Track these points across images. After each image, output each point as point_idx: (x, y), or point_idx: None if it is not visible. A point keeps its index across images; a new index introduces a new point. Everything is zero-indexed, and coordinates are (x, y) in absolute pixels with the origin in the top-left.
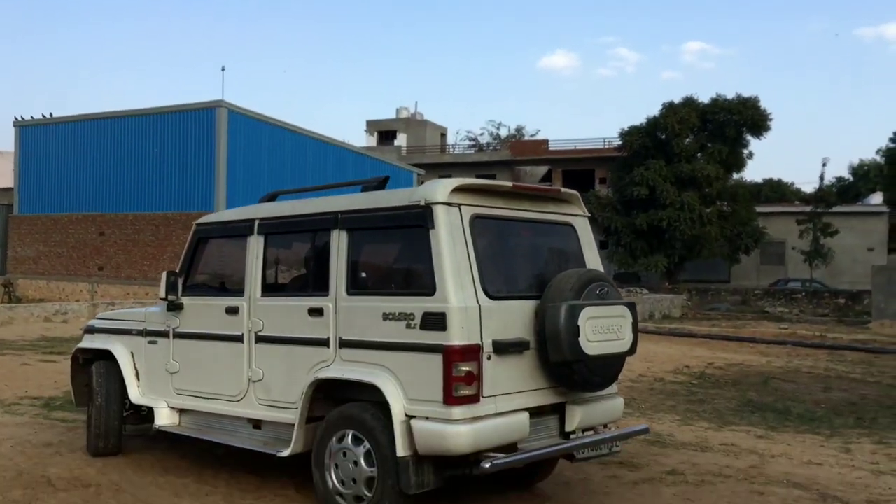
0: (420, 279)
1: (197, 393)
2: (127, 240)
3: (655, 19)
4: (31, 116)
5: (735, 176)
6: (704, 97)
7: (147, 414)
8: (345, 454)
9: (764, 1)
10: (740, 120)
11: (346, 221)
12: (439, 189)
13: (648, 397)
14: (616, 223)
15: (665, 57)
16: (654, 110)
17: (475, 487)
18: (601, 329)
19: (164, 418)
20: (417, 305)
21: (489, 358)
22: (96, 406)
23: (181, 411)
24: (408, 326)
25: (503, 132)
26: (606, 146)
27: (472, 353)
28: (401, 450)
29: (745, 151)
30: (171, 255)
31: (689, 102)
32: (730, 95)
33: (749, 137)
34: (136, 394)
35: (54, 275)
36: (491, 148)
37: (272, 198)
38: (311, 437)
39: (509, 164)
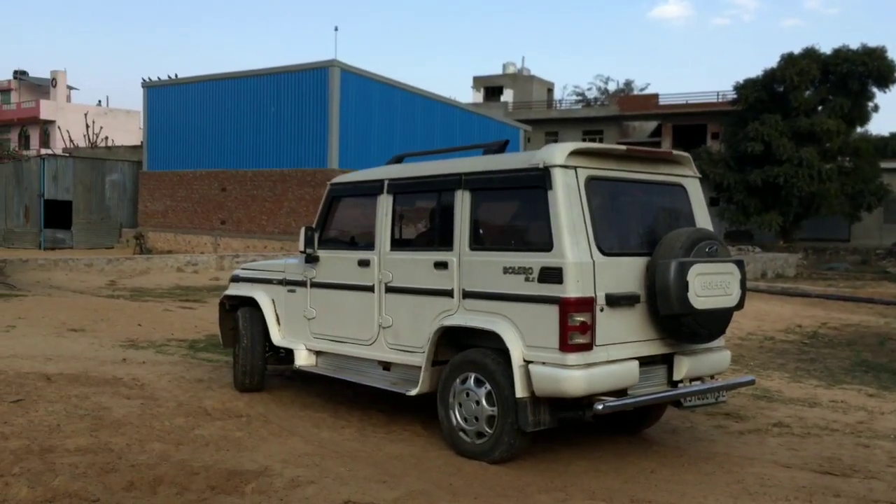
0: (538, 236)
1: (332, 337)
2: (246, 195)
3: None
4: (158, 78)
5: (859, 130)
6: (827, 47)
7: (286, 356)
8: (468, 394)
9: None
10: (865, 71)
11: (469, 182)
12: (557, 152)
13: (758, 355)
14: (729, 180)
15: (785, 3)
16: (772, 62)
17: (588, 431)
18: (709, 285)
19: (303, 359)
20: (536, 260)
21: (602, 310)
22: (242, 347)
23: (318, 353)
24: (526, 279)
25: (611, 87)
26: (720, 100)
27: (586, 304)
28: (519, 391)
29: (871, 104)
30: (288, 210)
31: (810, 53)
32: (854, 45)
33: (874, 90)
34: (277, 337)
35: (180, 228)
36: (599, 103)
37: (399, 160)
38: (437, 378)
39: (617, 119)
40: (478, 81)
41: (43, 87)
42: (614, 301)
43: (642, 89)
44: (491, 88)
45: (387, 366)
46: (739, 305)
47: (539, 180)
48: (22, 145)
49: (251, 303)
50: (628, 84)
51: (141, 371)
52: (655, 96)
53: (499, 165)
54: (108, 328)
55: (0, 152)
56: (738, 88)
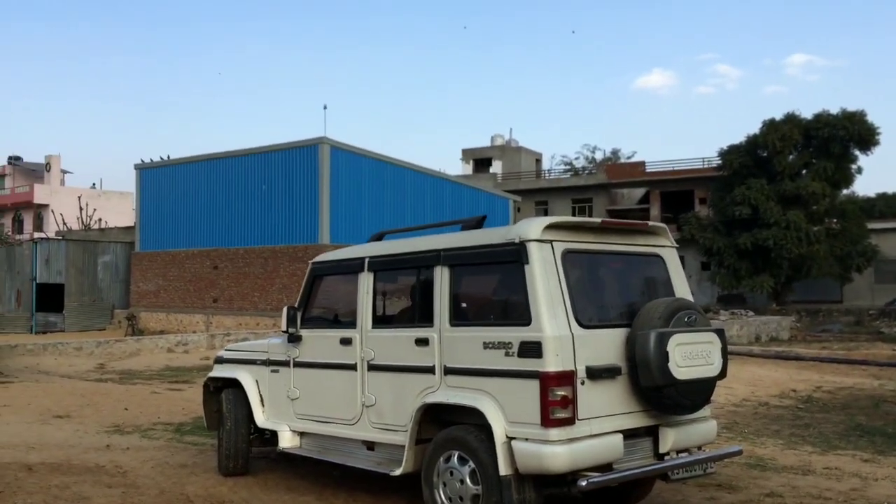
0: (517, 310)
1: (316, 417)
2: (238, 272)
3: (757, 34)
4: (150, 159)
5: (844, 192)
6: (808, 112)
7: (270, 437)
8: (452, 473)
9: (871, 9)
10: (846, 135)
11: (447, 258)
12: (532, 227)
13: (752, 421)
14: (718, 244)
15: (768, 71)
16: (755, 128)
17: None
18: (690, 355)
19: (287, 441)
20: (515, 335)
21: (583, 383)
22: (226, 430)
23: (301, 434)
24: (506, 354)
25: (598, 156)
26: (706, 166)
27: (566, 378)
28: (503, 469)
29: (853, 167)
30: (280, 287)
31: (791, 118)
32: (834, 110)
33: (857, 152)
34: (261, 418)
35: (173, 307)
36: (587, 172)
37: (380, 237)
38: (421, 457)
39: (605, 187)
40: (466, 153)
41: (37, 172)
42: (595, 374)
43: (629, 157)
44: (480, 160)
45: (371, 445)
46: (722, 374)
47: (515, 255)
48: (15, 230)
49: (235, 384)
50: (615, 153)
51: (124, 458)
52: (642, 164)
53: (476, 241)
54: (94, 413)
55: None
56: (723, 154)
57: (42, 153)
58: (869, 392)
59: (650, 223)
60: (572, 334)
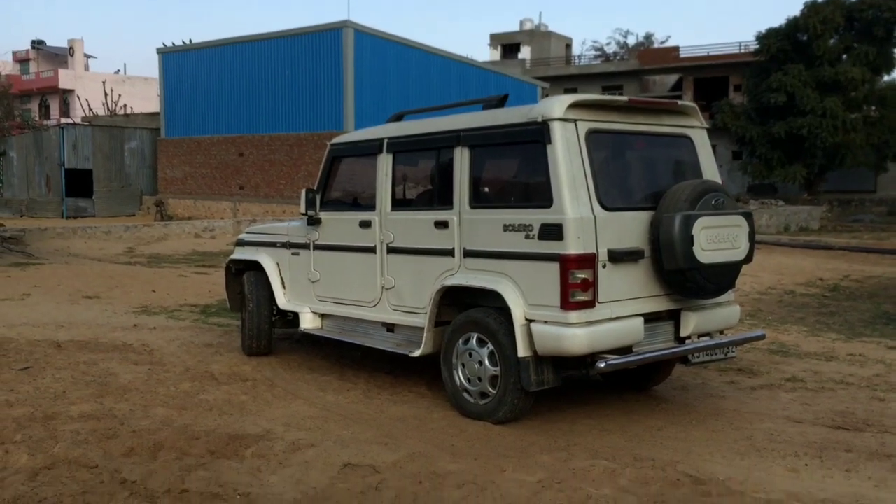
0: (538, 192)
1: (336, 299)
2: (264, 160)
3: None
4: (173, 43)
5: (886, 78)
6: None
7: (293, 319)
8: (470, 355)
9: None
10: (891, 17)
11: (467, 139)
12: (556, 106)
13: (777, 309)
14: (751, 132)
15: None
16: (796, 10)
17: (595, 390)
18: (716, 238)
19: (308, 322)
20: (536, 217)
21: (604, 266)
22: (249, 311)
23: (323, 316)
24: (527, 237)
25: (631, 41)
26: (742, 51)
27: (587, 261)
28: (521, 351)
29: None
30: (305, 174)
31: (834, 0)
32: None
33: None
34: (282, 300)
35: (200, 194)
36: (618, 58)
37: (399, 118)
38: (440, 339)
39: (637, 73)
40: (494, 39)
41: (61, 57)
42: (617, 257)
43: (663, 42)
44: (508, 46)
45: (391, 327)
46: (748, 259)
47: (538, 134)
48: (42, 115)
49: (256, 266)
50: (648, 37)
51: (151, 337)
52: (676, 49)
53: (497, 120)
54: (123, 295)
55: (21, 123)
56: (761, 38)
57: (65, 37)
58: None
59: (679, 102)
60: (594, 216)
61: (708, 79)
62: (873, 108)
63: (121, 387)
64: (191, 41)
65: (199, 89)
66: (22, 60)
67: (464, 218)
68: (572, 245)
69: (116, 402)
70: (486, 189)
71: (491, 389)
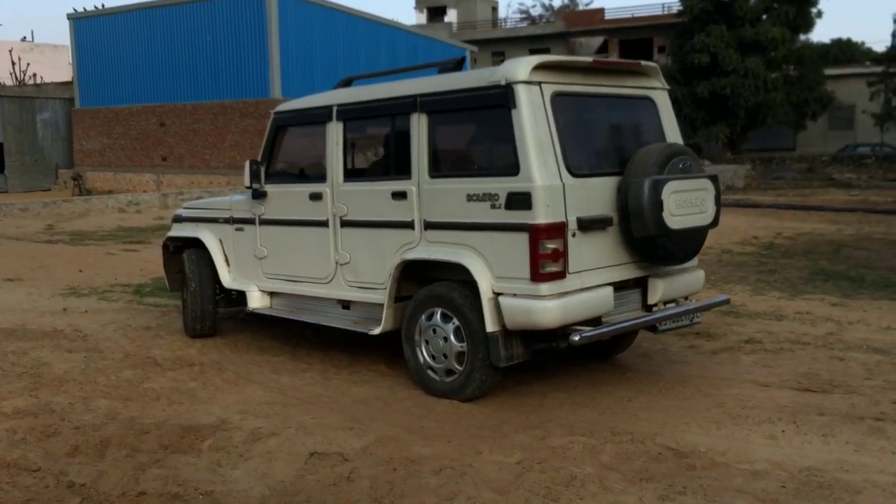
0: (503, 159)
1: (286, 276)
2: (187, 129)
3: None
4: (84, 8)
5: (802, 38)
6: None
7: (237, 298)
8: (434, 331)
9: None
10: None
11: (425, 104)
12: (520, 68)
13: (717, 269)
14: (676, 93)
15: None
16: None
17: (559, 361)
18: (684, 203)
19: (256, 301)
20: (502, 185)
21: (574, 235)
22: (191, 291)
23: (272, 294)
24: (492, 206)
25: (556, 3)
26: (665, 13)
27: (557, 230)
28: (490, 325)
29: (814, 10)
30: (231, 144)
31: None
32: None
33: None
34: (227, 279)
35: (120, 167)
36: (544, 20)
37: (347, 83)
38: (400, 315)
39: (563, 35)
40: (420, 2)
41: None
42: (586, 225)
43: (587, 4)
44: (434, 9)
45: (346, 304)
46: (714, 223)
47: (501, 98)
48: None
49: (197, 243)
50: (573, 0)
51: (83, 321)
52: (601, 11)
53: (456, 84)
54: (47, 276)
55: None
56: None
57: None
58: (828, 237)
59: (642, 62)
60: (563, 184)
61: (633, 40)
62: (792, 67)
63: (56, 378)
64: (103, 6)
65: (115, 57)
66: None
67: (423, 188)
68: (541, 214)
69: (53, 394)
70: (447, 157)
71: (457, 366)
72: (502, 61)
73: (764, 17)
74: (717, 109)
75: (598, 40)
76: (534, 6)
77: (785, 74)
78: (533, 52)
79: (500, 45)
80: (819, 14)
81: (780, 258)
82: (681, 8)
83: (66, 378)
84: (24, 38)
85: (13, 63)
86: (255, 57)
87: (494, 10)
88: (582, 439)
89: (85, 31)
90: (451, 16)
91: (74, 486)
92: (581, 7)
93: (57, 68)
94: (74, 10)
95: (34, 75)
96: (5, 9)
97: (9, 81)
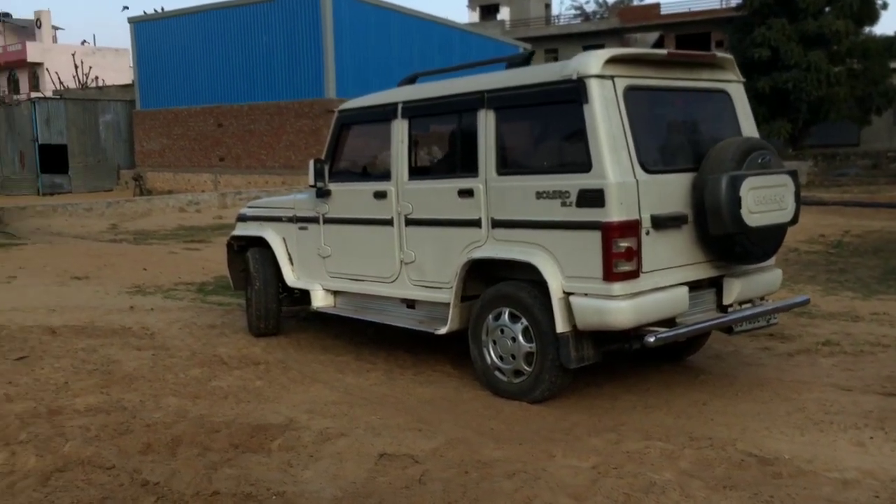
0: (575, 156)
1: (350, 275)
2: (243, 130)
3: None
4: (144, 12)
5: (866, 30)
6: None
7: (300, 296)
8: (502, 331)
9: None
10: None
11: (493, 100)
12: (592, 61)
13: (785, 268)
14: None
15: None
16: None
17: (629, 362)
18: (763, 199)
19: (320, 300)
20: (573, 182)
21: (648, 233)
22: (255, 290)
23: (335, 293)
24: (563, 204)
25: None
26: (723, 6)
27: (631, 228)
28: (560, 326)
29: (879, 2)
30: (286, 144)
31: None
32: None
33: None
34: (291, 278)
35: (179, 167)
36: (598, 16)
37: (412, 80)
38: (466, 315)
39: (618, 32)
40: (473, 0)
41: (28, 29)
42: (660, 223)
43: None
44: (487, 7)
45: (411, 303)
46: (794, 220)
47: (573, 93)
48: (11, 90)
49: (261, 242)
50: None
51: (150, 319)
52: (657, 6)
53: (526, 80)
54: (113, 274)
55: None
56: None
57: (31, 9)
58: None
59: (718, 54)
60: (637, 180)
61: (689, 35)
62: (856, 61)
63: (126, 375)
64: (162, 9)
65: (173, 59)
66: None
67: (490, 186)
68: (615, 211)
69: (124, 392)
70: (515, 154)
71: (526, 367)
72: (555, 59)
73: (827, 9)
74: (778, 105)
75: (653, 36)
76: (587, 2)
77: (849, 68)
78: (587, 48)
79: (554, 43)
80: (885, 6)
81: (849, 257)
82: (740, 1)
83: (136, 375)
84: (85, 41)
85: (76, 66)
86: (309, 57)
87: (547, 7)
88: (659, 444)
89: (145, 33)
90: (504, 13)
91: (148, 484)
92: (636, 2)
93: (118, 71)
94: (132, 11)
95: (96, 78)
96: (69, 14)
97: (72, 85)
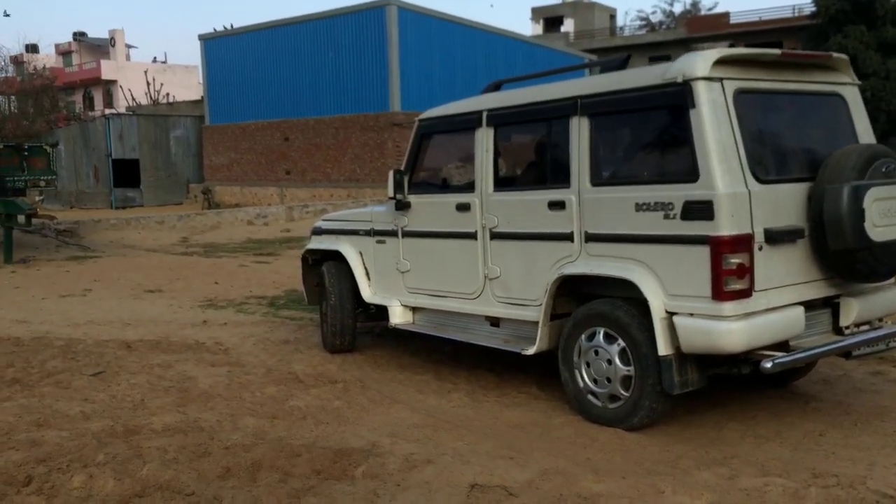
0: (679, 165)
1: (430, 291)
2: (309, 144)
3: None
4: (214, 29)
5: None
6: None
7: (376, 312)
8: (597, 352)
9: None
10: None
11: (587, 107)
12: (699, 63)
13: None
14: None
15: None
16: None
17: (731, 386)
18: (889, 212)
19: (398, 316)
20: (678, 194)
21: (761, 248)
22: (331, 305)
23: (414, 309)
24: (666, 217)
25: (677, 8)
26: (797, 14)
27: (743, 243)
28: (663, 348)
29: None
30: (352, 157)
31: None
32: None
33: None
34: (368, 293)
35: (246, 181)
36: (664, 27)
37: (497, 87)
38: (555, 334)
39: (685, 42)
40: (536, 12)
41: (102, 48)
42: (775, 237)
43: (710, 9)
44: (550, 19)
45: (495, 321)
46: None
47: (678, 97)
48: (87, 106)
49: (336, 256)
50: (695, 4)
51: (223, 333)
52: (726, 15)
53: (623, 84)
54: (185, 287)
55: (67, 115)
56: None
57: (105, 28)
58: None
59: (834, 55)
60: (749, 191)
61: (761, 45)
62: None
63: (202, 393)
64: (232, 26)
65: (241, 74)
66: (64, 53)
67: (584, 197)
68: (725, 225)
69: (201, 411)
70: (612, 163)
71: (623, 392)
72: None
73: None
74: None
75: (723, 45)
76: (654, 12)
77: None
78: (653, 59)
79: (619, 53)
80: None
81: None
82: (813, 9)
83: (212, 393)
84: (156, 59)
85: (148, 83)
86: (375, 71)
87: (612, 17)
88: (779, 481)
89: (215, 50)
90: (568, 25)
91: None
92: (703, 12)
93: (188, 88)
94: (202, 28)
95: (167, 94)
96: (142, 32)
97: (144, 101)
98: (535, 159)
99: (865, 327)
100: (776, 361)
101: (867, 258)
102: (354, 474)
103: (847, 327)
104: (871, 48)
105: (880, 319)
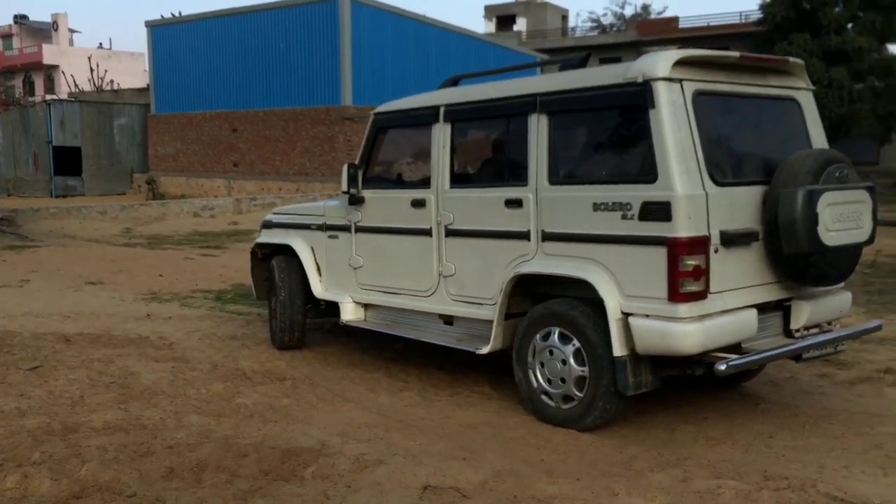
0: (638, 165)
1: (383, 288)
2: (258, 136)
3: None
4: (161, 16)
5: (890, 48)
6: None
7: (326, 308)
8: (551, 353)
9: None
10: None
11: (546, 104)
12: (659, 63)
13: None
14: None
15: None
16: None
17: (681, 389)
18: (841, 216)
19: (350, 313)
20: (636, 194)
21: (716, 251)
22: (280, 300)
23: (366, 306)
24: (623, 217)
25: (628, 11)
26: (744, 21)
27: (699, 245)
28: (618, 349)
29: None
30: (301, 150)
31: None
32: None
33: None
34: (318, 289)
35: (192, 172)
36: (615, 29)
37: (455, 82)
38: (510, 333)
39: (635, 45)
40: (489, 10)
41: (44, 32)
42: (731, 239)
43: (660, 13)
44: (503, 17)
45: (449, 320)
46: (870, 240)
47: (638, 97)
48: (27, 91)
49: (287, 251)
50: (645, 8)
51: (167, 328)
52: (675, 19)
53: (583, 82)
54: (128, 280)
55: (6, 99)
56: (764, 7)
57: (48, 12)
58: None
59: (790, 59)
60: (706, 193)
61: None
62: (878, 78)
63: (145, 389)
64: (180, 13)
65: (189, 63)
66: (4, 36)
67: (542, 196)
68: (683, 226)
69: (143, 408)
70: (570, 162)
71: (577, 392)
72: None
73: (850, 25)
74: None
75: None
76: (604, 14)
77: (871, 86)
78: (603, 60)
79: (570, 54)
80: None
81: (885, 277)
82: (761, 16)
83: (155, 390)
84: (101, 45)
85: (91, 69)
86: (327, 64)
87: (564, 18)
88: (731, 483)
89: (162, 37)
90: (521, 24)
91: None
92: (653, 16)
93: (134, 75)
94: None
95: (111, 82)
96: (86, 17)
97: (87, 87)
98: (492, 156)
99: (815, 330)
100: (730, 363)
101: (820, 262)
102: (304, 475)
103: (797, 330)
104: (815, 56)
105: (829, 323)
